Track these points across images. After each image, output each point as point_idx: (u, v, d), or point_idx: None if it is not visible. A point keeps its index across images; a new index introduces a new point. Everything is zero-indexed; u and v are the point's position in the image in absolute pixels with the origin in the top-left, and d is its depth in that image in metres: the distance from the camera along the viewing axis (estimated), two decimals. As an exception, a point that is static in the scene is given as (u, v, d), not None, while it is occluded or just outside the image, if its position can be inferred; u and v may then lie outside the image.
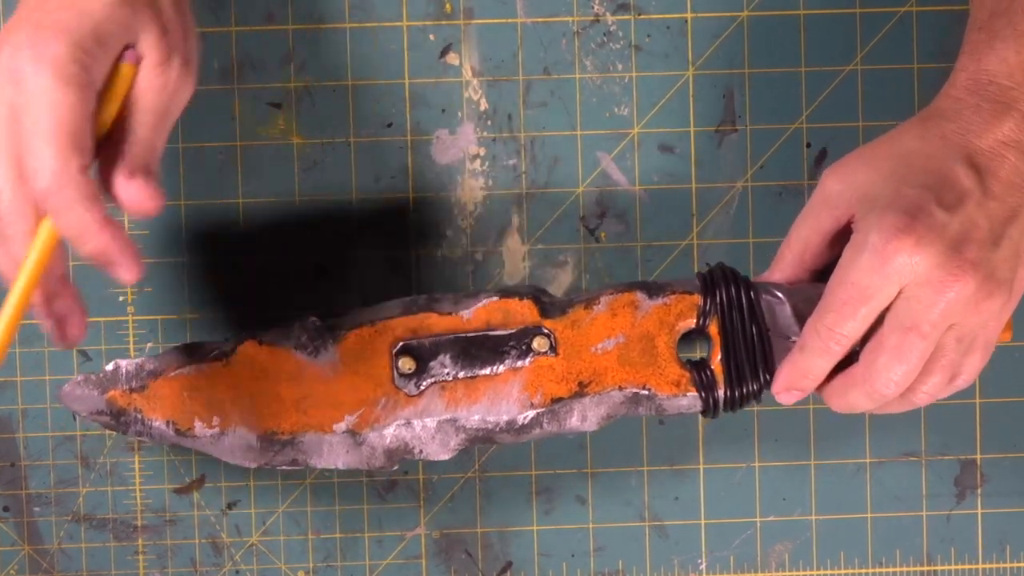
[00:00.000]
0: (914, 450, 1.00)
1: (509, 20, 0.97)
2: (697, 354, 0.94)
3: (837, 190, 0.85)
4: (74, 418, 0.98)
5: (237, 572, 0.99)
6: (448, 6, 0.97)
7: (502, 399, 0.88)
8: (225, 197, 0.97)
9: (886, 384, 0.84)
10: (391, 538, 0.99)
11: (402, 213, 0.97)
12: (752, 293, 0.88)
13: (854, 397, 0.85)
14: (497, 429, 0.88)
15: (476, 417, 0.88)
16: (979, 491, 1.00)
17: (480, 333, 0.88)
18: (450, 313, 0.88)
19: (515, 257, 0.98)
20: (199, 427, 0.89)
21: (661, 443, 0.99)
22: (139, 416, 0.89)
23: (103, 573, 0.99)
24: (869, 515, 1.00)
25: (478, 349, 0.88)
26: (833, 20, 0.97)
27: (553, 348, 0.88)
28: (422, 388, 0.88)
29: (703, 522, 1.00)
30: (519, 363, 0.88)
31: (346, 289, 0.97)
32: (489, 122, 0.97)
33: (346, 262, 0.97)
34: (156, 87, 0.82)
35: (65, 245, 0.81)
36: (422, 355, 0.88)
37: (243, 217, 0.97)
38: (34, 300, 0.81)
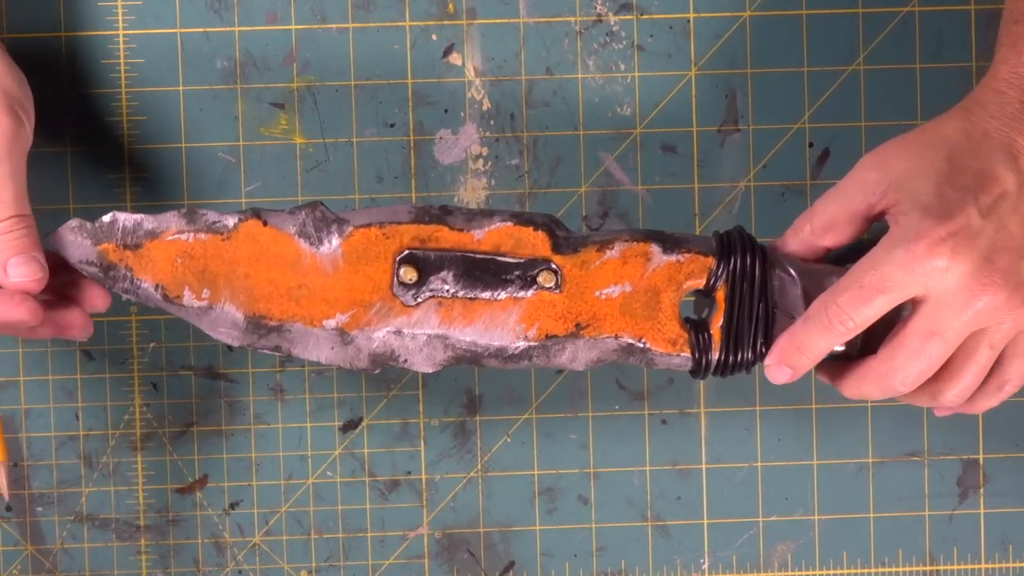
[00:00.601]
0: (916, 450, 1.00)
1: (512, 20, 0.97)
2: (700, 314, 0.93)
3: (874, 178, 0.85)
4: (76, 417, 0.98)
5: (240, 572, 0.99)
6: (451, 6, 0.97)
7: (497, 326, 0.87)
8: (228, 197, 0.97)
9: (902, 381, 0.84)
10: (393, 538, 0.99)
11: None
12: (766, 266, 0.87)
13: (867, 387, 0.86)
14: (486, 353, 0.87)
15: (467, 339, 0.87)
16: (981, 491, 1.00)
17: (488, 256, 0.87)
18: (462, 229, 0.87)
19: (518, 257, 0.98)
20: (188, 296, 0.87)
21: (663, 443, 0.99)
22: (128, 274, 0.87)
23: (106, 573, 0.99)
24: (872, 515, 1.00)
25: (483, 272, 0.87)
26: (835, 20, 0.97)
27: (558, 285, 0.87)
28: (419, 300, 0.87)
29: (705, 522, 1.00)
30: (521, 293, 0.87)
31: (349, 289, 0.97)
32: (492, 122, 0.97)
33: (349, 262, 0.97)
34: None
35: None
36: (425, 267, 0.87)
37: (246, 217, 0.97)
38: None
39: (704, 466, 1.00)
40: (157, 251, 0.86)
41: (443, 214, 0.87)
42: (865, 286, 0.83)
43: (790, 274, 0.87)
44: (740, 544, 1.00)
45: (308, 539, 0.99)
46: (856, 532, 1.00)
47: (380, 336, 0.87)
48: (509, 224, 0.87)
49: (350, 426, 0.99)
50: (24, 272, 0.85)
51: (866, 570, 1.00)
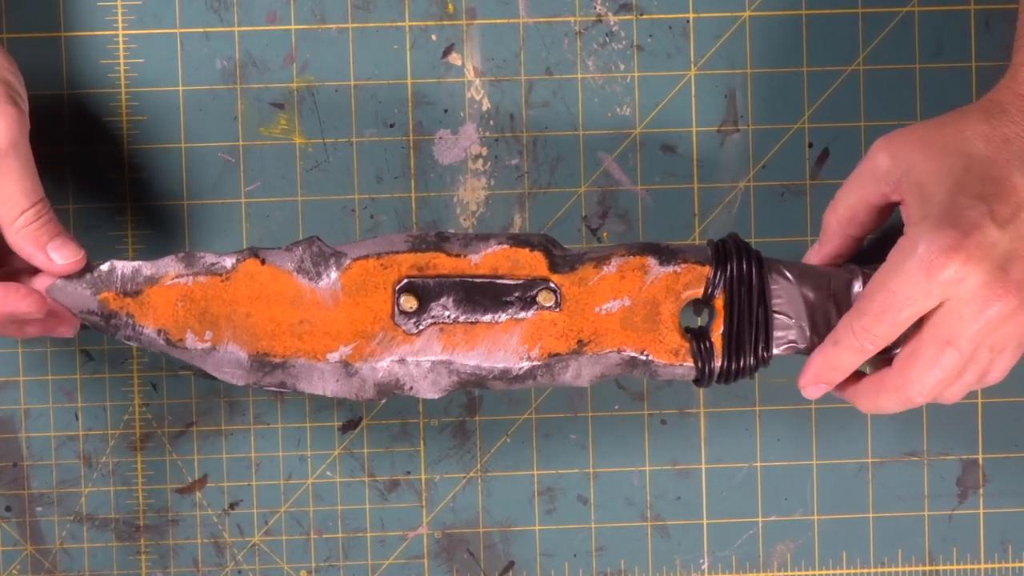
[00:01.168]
0: (916, 450, 1.00)
1: (511, 20, 0.97)
2: (699, 322, 0.93)
3: (887, 167, 0.85)
4: (76, 417, 0.98)
5: (239, 572, 0.99)
6: (450, 6, 0.97)
7: (500, 348, 0.87)
8: (227, 197, 0.97)
9: (919, 392, 0.84)
10: (393, 538, 0.99)
11: (405, 213, 0.97)
12: (763, 271, 0.87)
13: (884, 401, 0.86)
14: (491, 376, 0.88)
15: (472, 363, 0.87)
16: (981, 491, 1.00)
17: (486, 279, 0.87)
18: (459, 255, 0.87)
19: (517, 257, 0.98)
20: (191, 339, 0.87)
21: (663, 443, 0.99)
22: (130, 321, 0.87)
23: (105, 573, 0.99)
24: (871, 515, 1.00)
25: (482, 295, 0.87)
26: (835, 20, 0.97)
27: (558, 303, 0.87)
28: (421, 328, 0.87)
29: (705, 522, 1.00)
30: (521, 314, 0.87)
31: (348, 289, 0.97)
32: (491, 122, 0.97)
33: (348, 262, 0.97)
34: None
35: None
36: (425, 295, 0.87)
37: (246, 217, 0.97)
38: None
39: (704, 466, 1.00)
40: (157, 296, 0.87)
41: (439, 240, 0.88)
42: (885, 306, 0.83)
43: (787, 277, 0.88)
44: (740, 544, 1.00)
45: (308, 539, 0.99)
46: (856, 532, 1.00)
47: (384, 366, 0.87)
48: (505, 246, 0.88)
49: (349, 426, 0.99)
50: (66, 254, 0.86)
51: (865, 570, 1.00)
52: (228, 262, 0.87)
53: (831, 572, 1.00)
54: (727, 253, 0.88)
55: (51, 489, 0.98)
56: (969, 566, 1.00)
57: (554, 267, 0.88)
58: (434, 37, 0.97)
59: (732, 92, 0.98)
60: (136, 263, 0.87)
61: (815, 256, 0.91)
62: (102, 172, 0.97)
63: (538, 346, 0.87)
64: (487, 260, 0.87)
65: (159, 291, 0.87)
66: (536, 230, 0.98)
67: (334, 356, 0.87)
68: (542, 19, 0.97)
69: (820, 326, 0.88)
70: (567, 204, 0.98)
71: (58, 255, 0.86)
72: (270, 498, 0.99)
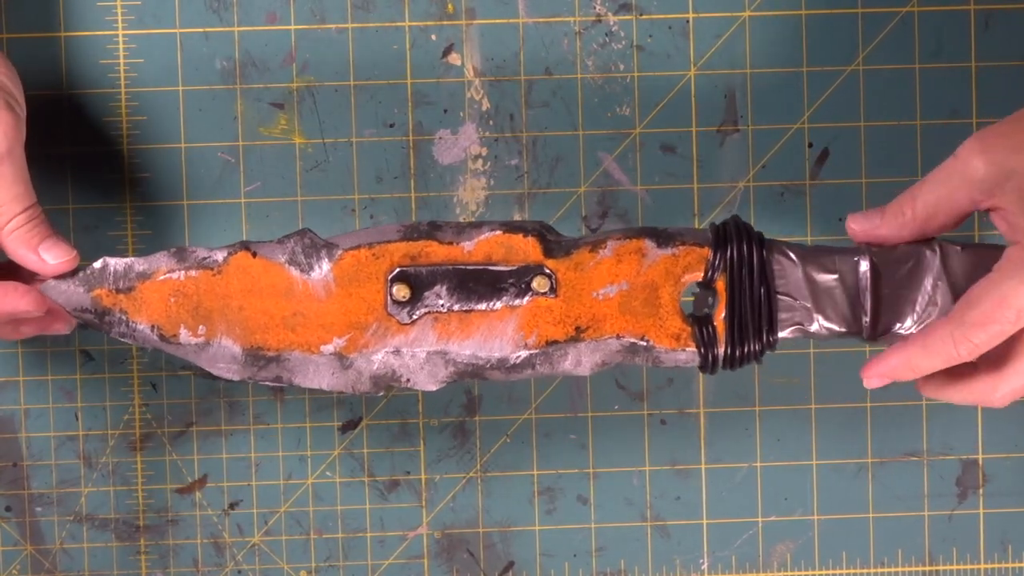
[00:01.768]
0: (916, 450, 1.00)
1: (511, 20, 0.97)
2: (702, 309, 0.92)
3: (983, 174, 0.82)
4: (76, 417, 0.98)
5: (239, 572, 0.99)
6: (450, 6, 0.97)
7: (496, 336, 0.86)
8: (227, 197, 0.97)
9: (1001, 397, 0.84)
10: (393, 538, 0.99)
11: (404, 213, 0.97)
12: (764, 252, 0.86)
13: (957, 395, 0.85)
14: (488, 366, 0.86)
15: (467, 352, 0.86)
16: (981, 491, 1.00)
17: (480, 267, 0.86)
18: (451, 243, 0.86)
19: (517, 257, 0.98)
20: (184, 335, 0.86)
21: (663, 443, 0.99)
22: (123, 318, 0.87)
23: (105, 573, 0.99)
24: (871, 515, 1.00)
25: (476, 283, 0.86)
26: (834, 20, 0.97)
27: (553, 289, 0.86)
28: (415, 317, 0.86)
29: (705, 522, 1.00)
30: (516, 301, 0.86)
31: (348, 289, 0.97)
32: (491, 122, 0.97)
33: (348, 262, 0.97)
34: None
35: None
36: (418, 283, 0.86)
37: (245, 217, 0.97)
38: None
39: (703, 466, 1.00)
40: (150, 292, 0.86)
41: (432, 229, 0.86)
42: (992, 316, 0.81)
43: (790, 257, 0.86)
44: (739, 544, 1.00)
45: (307, 539, 0.99)
46: (855, 532, 1.00)
47: (379, 358, 0.86)
48: (498, 232, 0.86)
49: (349, 426, 0.99)
50: (58, 253, 0.86)
51: (865, 570, 1.00)
52: (219, 256, 0.86)
53: (831, 572, 1.00)
54: (727, 234, 0.86)
55: (51, 489, 0.98)
56: (969, 566, 1.00)
57: (549, 252, 0.86)
58: (434, 37, 0.97)
59: (732, 92, 0.98)
60: (129, 259, 0.87)
61: (861, 223, 0.87)
62: (102, 172, 0.97)
63: (535, 333, 0.86)
64: (480, 247, 0.86)
65: (152, 286, 0.86)
66: (536, 230, 0.98)
67: (328, 348, 0.86)
68: (542, 19, 0.97)
69: (826, 307, 0.86)
70: (567, 204, 0.98)
71: (50, 255, 0.86)
72: (270, 498, 0.99)
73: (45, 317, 0.87)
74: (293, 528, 0.99)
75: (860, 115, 0.98)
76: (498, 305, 0.86)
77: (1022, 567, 1.00)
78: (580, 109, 0.98)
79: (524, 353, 0.86)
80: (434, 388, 0.86)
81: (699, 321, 0.86)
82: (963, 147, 0.83)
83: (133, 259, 0.87)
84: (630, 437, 0.99)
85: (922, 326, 0.85)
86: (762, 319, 0.86)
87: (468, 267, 0.86)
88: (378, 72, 0.97)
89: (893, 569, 1.00)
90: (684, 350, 0.86)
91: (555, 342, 0.86)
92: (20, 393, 0.98)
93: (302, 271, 0.86)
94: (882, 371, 0.85)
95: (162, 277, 0.86)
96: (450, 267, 0.86)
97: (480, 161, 0.98)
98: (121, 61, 0.96)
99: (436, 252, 0.86)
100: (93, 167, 0.97)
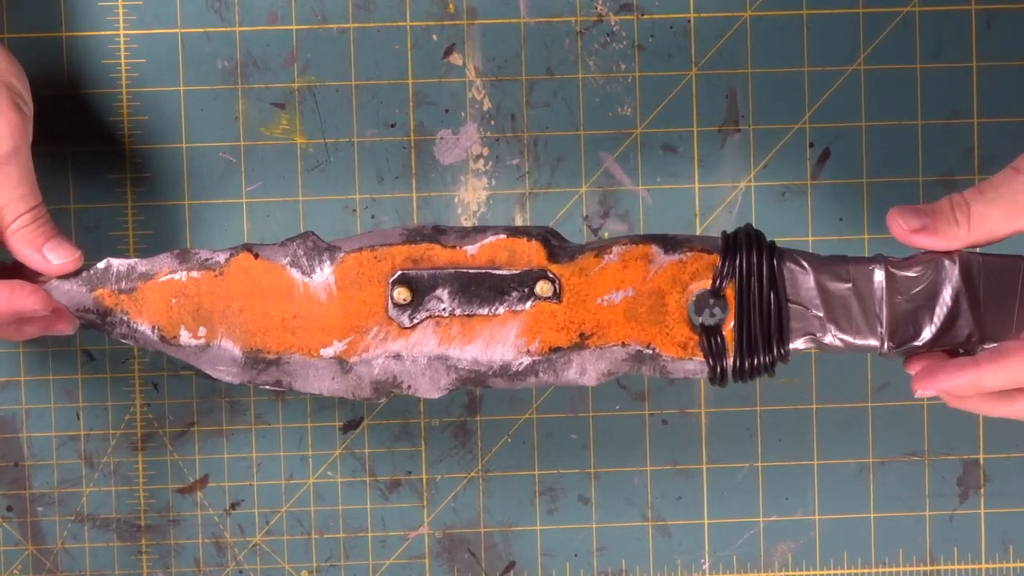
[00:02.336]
0: (917, 450, 1.00)
1: (512, 20, 0.97)
2: (710, 318, 0.90)
3: None
4: (77, 417, 0.98)
5: (240, 572, 0.99)
6: (451, 6, 0.97)
7: (498, 342, 0.85)
8: (228, 197, 0.97)
9: None
10: (394, 538, 0.99)
11: (406, 213, 0.98)
12: (775, 260, 0.84)
13: (991, 412, 0.83)
14: (490, 372, 0.85)
15: (469, 357, 0.85)
16: (982, 491, 1.00)
17: (482, 270, 0.85)
18: (454, 246, 0.85)
19: (518, 257, 0.98)
20: (184, 336, 0.86)
21: (664, 443, 0.99)
22: (125, 318, 0.86)
23: (106, 573, 0.99)
24: (872, 515, 1.00)
25: (478, 287, 0.85)
26: (836, 20, 0.97)
27: (557, 294, 0.84)
28: (416, 321, 0.85)
29: (706, 522, 1.00)
30: (519, 306, 0.85)
31: (349, 289, 0.97)
32: (492, 122, 0.98)
33: (349, 262, 0.97)
34: None
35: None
36: (419, 287, 0.85)
37: (247, 217, 0.97)
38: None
39: (704, 466, 1.00)
40: (152, 292, 0.86)
41: (435, 233, 0.85)
42: None
43: (801, 265, 0.84)
44: (740, 544, 1.00)
45: (309, 539, 0.99)
46: (856, 532, 1.00)
47: (380, 362, 0.85)
48: (502, 237, 0.85)
49: (351, 426, 0.99)
50: (62, 254, 0.87)
51: (866, 570, 1.00)
52: (222, 257, 0.86)
53: (832, 572, 1.00)
54: (737, 241, 0.84)
55: (52, 489, 0.98)
56: (970, 566, 1.00)
57: (553, 257, 0.85)
58: (435, 37, 0.97)
59: (733, 92, 0.98)
60: (132, 260, 0.86)
61: (910, 222, 0.83)
62: (103, 172, 0.97)
63: (537, 339, 0.85)
64: (483, 251, 0.85)
65: (153, 287, 0.86)
66: (537, 230, 0.98)
67: (328, 352, 0.85)
68: (543, 19, 0.97)
69: (839, 317, 0.84)
70: (568, 204, 0.98)
71: (54, 256, 0.86)
72: (271, 498, 0.99)
73: (49, 317, 0.87)
74: (294, 528, 0.99)
75: (861, 115, 0.98)
76: (501, 310, 0.85)
77: (1023, 567, 1.00)
78: (581, 109, 0.98)
79: (527, 360, 0.85)
80: (436, 396, 0.85)
81: (707, 331, 0.84)
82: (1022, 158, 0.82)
83: (136, 260, 0.87)
84: (631, 437, 0.99)
85: (942, 338, 0.83)
86: (772, 329, 0.84)
87: (470, 271, 0.85)
88: (379, 72, 0.97)
89: (894, 569, 1.00)
90: (692, 360, 0.84)
91: (559, 348, 0.85)
92: (21, 393, 0.98)
93: (303, 273, 0.86)
94: (946, 387, 0.82)
95: (164, 278, 0.86)
96: (452, 271, 0.85)
97: (481, 161, 0.98)
98: (122, 61, 0.96)
99: (439, 255, 0.85)
100: (94, 167, 0.97)
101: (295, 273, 0.86)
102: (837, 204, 0.98)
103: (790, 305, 0.84)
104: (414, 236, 0.85)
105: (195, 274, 0.86)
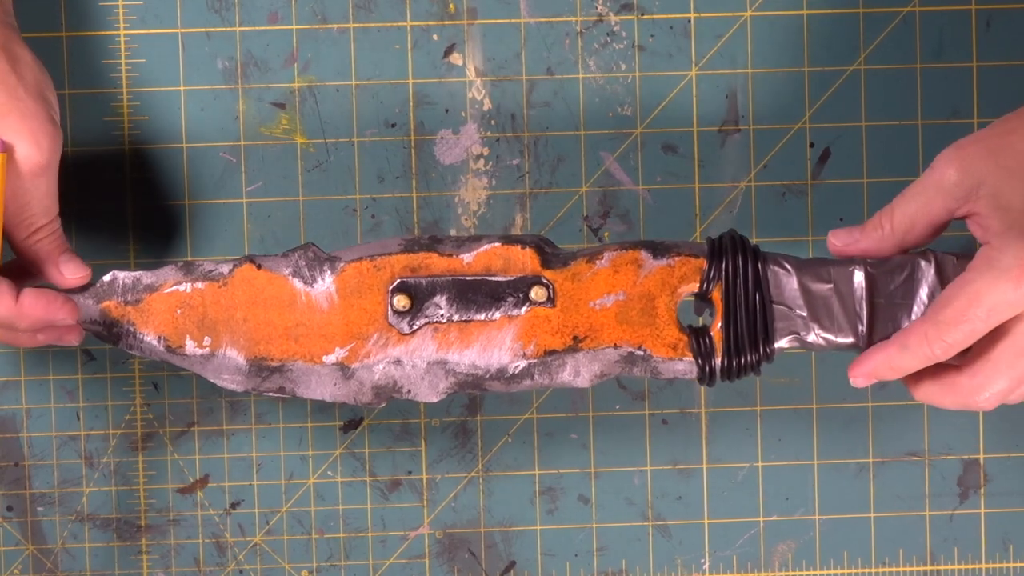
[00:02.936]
0: (917, 450, 1.00)
1: (512, 20, 0.97)
2: (700, 321, 0.92)
3: (955, 180, 0.84)
4: (77, 417, 0.98)
5: (240, 572, 0.99)
6: (451, 6, 0.97)
7: (495, 346, 0.87)
8: (229, 197, 0.97)
9: (987, 400, 0.84)
10: (394, 538, 0.99)
11: (406, 213, 0.98)
12: (760, 263, 0.87)
13: (945, 400, 0.85)
14: (487, 376, 0.88)
15: (467, 361, 0.88)
16: (982, 491, 1.00)
17: (478, 277, 0.88)
18: (451, 255, 0.88)
19: (518, 257, 0.98)
20: (190, 346, 0.88)
21: (664, 443, 0.99)
22: (131, 329, 0.88)
23: (106, 573, 0.99)
24: (872, 515, 1.00)
25: (475, 293, 0.88)
26: (836, 20, 0.97)
27: (551, 299, 0.87)
28: (415, 327, 0.88)
29: (706, 522, 1.00)
30: (515, 311, 0.87)
31: (350, 289, 0.97)
32: (492, 122, 0.98)
33: (350, 262, 0.97)
34: (32, 167, 0.85)
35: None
36: (418, 294, 0.87)
37: (247, 217, 0.97)
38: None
39: (705, 466, 1.00)
40: (157, 303, 0.88)
41: (432, 242, 0.88)
42: (965, 315, 0.82)
43: (785, 267, 0.87)
44: (741, 544, 1.00)
45: (309, 539, 0.99)
46: (857, 532, 1.00)
47: (380, 368, 0.88)
48: (497, 245, 0.88)
49: (351, 426, 0.99)
50: (73, 269, 0.88)
51: (867, 570, 1.00)
52: (225, 268, 0.88)
53: (832, 572, 1.00)
54: (723, 246, 0.87)
55: (52, 489, 0.98)
56: (970, 566, 1.00)
57: (546, 263, 0.87)
58: (435, 37, 0.97)
59: (733, 92, 0.98)
60: (137, 273, 0.88)
61: (842, 238, 0.88)
62: (103, 172, 0.97)
63: (533, 343, 0.87)
64: (479, 259, 0.88)
65: (159, 299, 0.88)
66: (537, 230, 0.98)
67: (330, 358, 0.88)
68: (543, 19, 0.97)
69: (821, 316, 0.87)
70: (568, 204, 0.98)
71: (67, 269, 0.88)
72: (271, 498, 0.99)
73: (60, 327, 0.88)
74: (295, 528, 0.99)
75: (861, 115, 0.98)
76: (496, 315, 0.87)
77: (1023, 567, 1.00)
78: (581, 109, 0.98)
79: (522, 363, 0.87)
80: (435, 400, 0.88)
81: (696, 332, 0.87)
82: (939, 158, 0.85)
83: (141, 272, 0.88)
84: (631, 437, 0.99)
85: None
86: (758, 329, 0.87)
87: (467, 278, 0.88)
88: (379, 72, 0.97)
89: (894, 569, 1.00)
90: (682, 360, 0.87)
91: (553, 351, 0.87)
92: (22, 393, 0.98)
93: (305, 283, 0.88)
94: (866, 370, 0.86)
95: (169, 289, 0.88)
96: (449, 278, 0.87)
97: (481, 161, 0.98)
98: (123, 61, 0.96)
99: (436, 264, 0.88)
100: (95, 167, 0.97)
101: (297, 283, 0.88)
102: (837, 204, 0.98)
103: (775, 306, 0.87)
104: (412, 245, 0.88)
105: (199, 285, 0.88)
